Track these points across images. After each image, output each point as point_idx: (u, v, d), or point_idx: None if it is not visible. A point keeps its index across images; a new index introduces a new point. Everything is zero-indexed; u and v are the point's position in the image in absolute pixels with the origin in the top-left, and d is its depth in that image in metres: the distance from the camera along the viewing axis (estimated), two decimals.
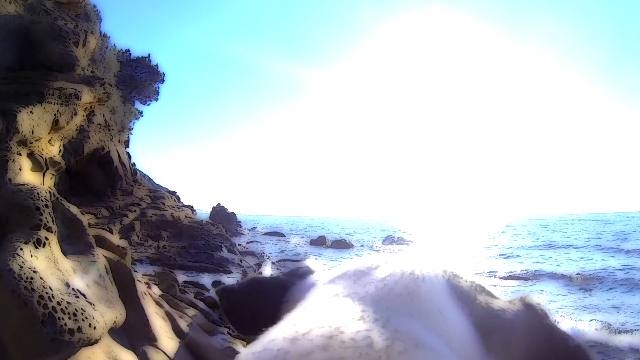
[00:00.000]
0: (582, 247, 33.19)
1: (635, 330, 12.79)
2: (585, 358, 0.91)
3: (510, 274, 23.75)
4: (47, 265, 4.35)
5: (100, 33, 21.60)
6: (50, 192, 5.13)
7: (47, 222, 4.69)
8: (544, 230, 59.63)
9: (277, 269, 21.28)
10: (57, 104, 10.11)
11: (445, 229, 73.87)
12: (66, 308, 4.02)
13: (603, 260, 26.74)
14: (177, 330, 7.71)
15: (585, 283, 20.84)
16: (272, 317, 0.88)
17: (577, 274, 22.66)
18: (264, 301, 1.09)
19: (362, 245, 40.03)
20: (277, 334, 0.74)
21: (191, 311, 10.22)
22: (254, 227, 47.46)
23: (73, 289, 4.37)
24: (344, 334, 0.67)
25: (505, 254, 32.13)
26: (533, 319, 0.92)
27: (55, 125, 10.12)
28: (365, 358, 0.64)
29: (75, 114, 10.71)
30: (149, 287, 10.02)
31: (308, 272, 1.21)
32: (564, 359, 0.91)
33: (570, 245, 34.44)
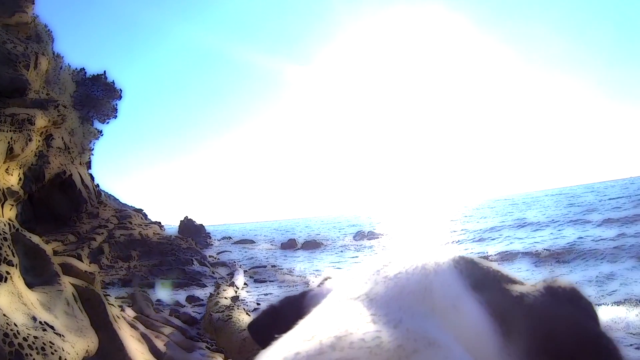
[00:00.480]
0: (551, 223, 33.77)
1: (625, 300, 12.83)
2: (614, 355, 0.78)
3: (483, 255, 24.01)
4: (11, 300, 4.23)
5: (54, 53, 21.18)
6: (9, 224, 5.00)
7: (7, 255, 4.55)
8: (513, 209, 60.70)
9: (250, 276, 21.22)
10: (10, 131, 9.84)
11: (415, 218, 74.67)
12: (33, 343, 3.91)
13: (573, 233, 27.21)
14: (154, 351, 7.61)
15: (555, 257, 21.19)
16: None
17: (545, 249, 23.07)
18: (287, 320, 1.05)
19: (332, 243, 40.17)
20: (287, 338, 0.73)
21: (167, 329, 10.10)
22: (223, 237, 47.15)
23: (40, 322, 4.26)
24: (352, 335, 0.65)
25: (476, 238, 32.59)
26: (555, 305, 0.82)
27: (10, 154, 9.86)
28: (376, 358, 0.62)
29: (30, 139, 10.45)
30: (122, 310, 9.86)
31: (325, 281, 1.18)
32: (588, 354, 0.79)
33: (540, 222, 34.99)
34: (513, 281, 0.89)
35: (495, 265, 0.92)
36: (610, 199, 48.44)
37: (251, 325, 1.29)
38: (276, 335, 0.74)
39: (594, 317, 0.83)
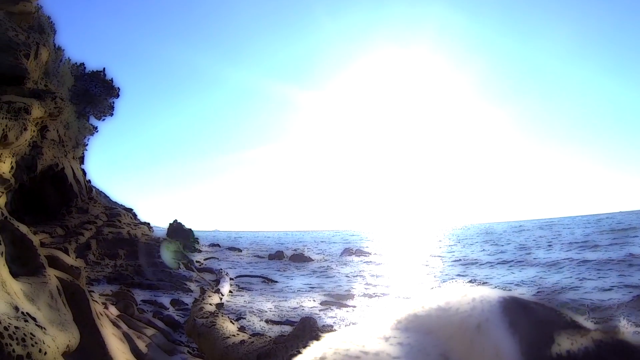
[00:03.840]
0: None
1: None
2: None
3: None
4: None
5: (55, 46, 21.13)
6: None
7: None
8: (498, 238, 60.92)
9: (236, 284, 21.07)
10: (6, 118, 9.72)
11: (404, 239, 74.70)
12: (14, 333, 3.78)
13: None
14: (135, 352, 7.50)
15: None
16: None
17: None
18: None
19: (320, 258, 40.07)
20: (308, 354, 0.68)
21: (150, 331, 9.99)
22: (212, 244, 46.85)
23: (22, 313, 4.14)
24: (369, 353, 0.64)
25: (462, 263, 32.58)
26: None
27: (3, 141, 9.73)
28: None
29: (25, 129, 10.32)
30: (106, 308, 9.74)
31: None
32: None
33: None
34: (569, 326, 0.73)
35: (551, 309, 0.77)
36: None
37: None
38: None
39: None
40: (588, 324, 0.74)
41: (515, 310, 0.73)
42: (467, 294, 0.76)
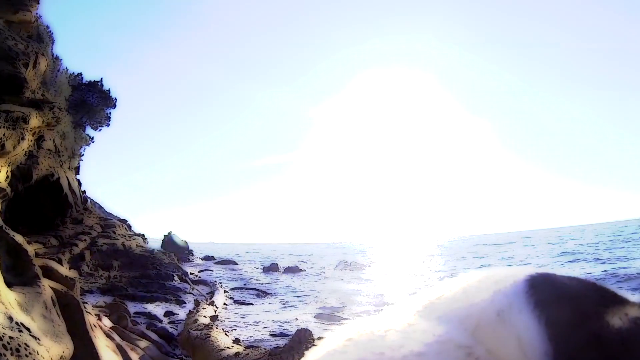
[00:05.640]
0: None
1: None
2: None
3: None
4: None
5: (53, 55, 21.13)
6: None
7: None
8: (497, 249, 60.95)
9: (230, 297, 20.99)
10: (4, 127, 9.70)
11: (398, 251, 74.79)
12: (8, 343, 3.76)
13: None
14: None
15: None
16: None
17: None
18: None
19: (314, 270, 40.06)
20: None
21: (143, 343, 9.93)
22: (206, 256, 46.66)
23: (17, 323, 4.11)
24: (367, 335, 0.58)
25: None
26: None
27: (1, 150, 9.71)
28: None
29: (23, 138, 10.30)
30: (99, 319, 9.67)
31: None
32: None
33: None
34: (613, 302, 0.59)
35: (587, 283, 0.62)
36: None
37: None
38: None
39: None
40: (633, 297, 0.60)
41: (543, 289, 0.62)
42: (491, 276, 0.66)
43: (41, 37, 17.80)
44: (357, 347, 0.57)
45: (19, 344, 3.85)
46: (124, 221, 29.59)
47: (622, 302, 0.57)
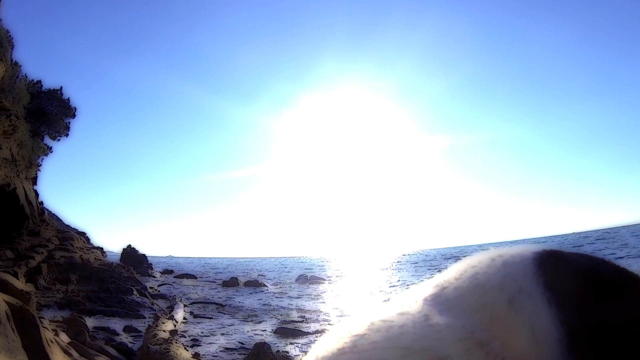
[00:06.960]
0: None
1: None
2: None
3: None
4: None
5: (12, 61, 20.76)
6: None
7: None
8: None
9: (190, 312, 20.88)
10: None
11: (358, 265, 75.40)
12: None
13: None
14: None
15: None
16: None
17: None
18: None
19: (274, 284, 40.05)
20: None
21: (102, 358, 9.89)
22: (165, 270, 46.06)
23: None
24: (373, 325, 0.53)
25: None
26: None
27: None
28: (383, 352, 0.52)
29: None
30: (57, 335, 9.60)
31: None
32: None
33: None
34: (620, 276, 0.58)
35: (592, 258, 0.62)
36: None
37: None
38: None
39: None
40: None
41: (551, 266, 0.61)
42: (499, 256, 0.63)
43: (0, 41, 17.53)
44: (375, 347, 0.54)
45: None
46: (83, 234, 29.10)
47: (635, 278, 0.58)
